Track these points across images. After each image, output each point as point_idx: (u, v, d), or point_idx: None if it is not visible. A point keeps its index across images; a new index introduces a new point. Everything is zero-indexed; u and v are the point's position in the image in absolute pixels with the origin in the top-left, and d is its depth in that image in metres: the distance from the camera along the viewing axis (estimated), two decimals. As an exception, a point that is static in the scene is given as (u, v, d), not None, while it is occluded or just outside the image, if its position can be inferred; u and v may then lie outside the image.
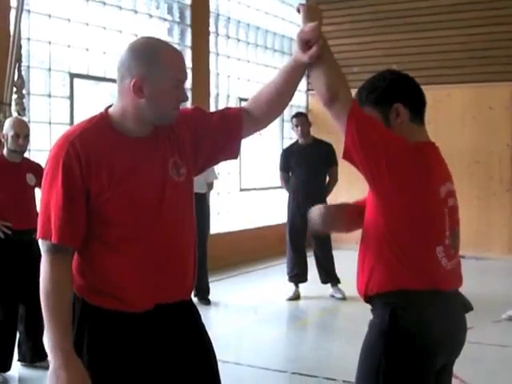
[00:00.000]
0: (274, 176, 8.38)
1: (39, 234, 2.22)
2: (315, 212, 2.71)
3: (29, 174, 5.13)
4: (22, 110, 6.78)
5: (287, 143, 10.03)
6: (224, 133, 2.47)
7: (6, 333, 5.10)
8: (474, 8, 10.79)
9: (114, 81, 7.73)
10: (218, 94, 10.51)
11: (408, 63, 10.53)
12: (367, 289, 2.46)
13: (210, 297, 7.65)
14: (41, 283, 2.19)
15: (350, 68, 10.68)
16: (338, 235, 10.03)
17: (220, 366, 2.46)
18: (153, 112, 2.23)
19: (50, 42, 7.69)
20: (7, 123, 5.16)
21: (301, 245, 8.05)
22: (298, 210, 7.94)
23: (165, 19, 9.63)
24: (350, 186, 9.83)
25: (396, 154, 2.37)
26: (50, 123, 7.70)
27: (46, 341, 2.19)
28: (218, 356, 2.47)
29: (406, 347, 2.35)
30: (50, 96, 7.74)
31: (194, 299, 6.48)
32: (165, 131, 2.34)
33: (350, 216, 2.73)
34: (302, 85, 12.34)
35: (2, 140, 5.13)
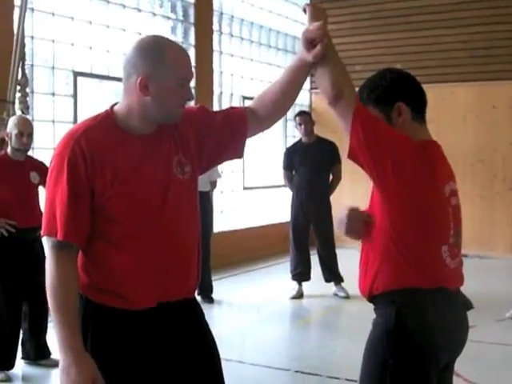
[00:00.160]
0: (278, 174, 8.39)
1: (44, 231, 2.22)
2: (344, 214, 2.67)
3: (32, 173, 5.13)
4: (25, 108, 6.78)
5: (291, 142, 10.04)
6: (228, 132, 2.47)
7: (10, 331, 5.11)
8: (477, 7, 10.77)
9: (117, 79, 7.72)
10: (221, 93, 10.51)
11: (410, 62, 10.52)
12: (372, 288, 2.46)
13: (213, 295, 7.66)
14: (47, 280, 2.19)
15: (351, 67, 10.66)
16: (341, 233, 10.03)
17: (223, 364, 2.46)
18: (158, 110, 2.24)
19: (53, 41, 7.69)
20: (11, 121, 5.17)
21: (304, 243, 8.05)
22: (301, 209, 7.95)
23: (168, 17, 9.63)
24: (353, 185, 9.84)
25: (401, 154, 2.37)
26: (53, 121, 7.71)
27: (56, 338, 2.19)
28: (221, 354, 2.47)
29: (412, 345, 2.35)
30: (53, 94, 7.75)
31: (197, 297, 6.51)
32: (169, 129, 2.34)
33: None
34: (306, 83, 12.23)
35: (6, 138, 5.14)
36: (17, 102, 6.78)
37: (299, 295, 7.98)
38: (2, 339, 5.06)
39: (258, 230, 10.96)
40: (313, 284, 8.08)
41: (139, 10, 8.94)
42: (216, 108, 10.28)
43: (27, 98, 6.88)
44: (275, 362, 5.63)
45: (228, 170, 10.26)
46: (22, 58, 6.83)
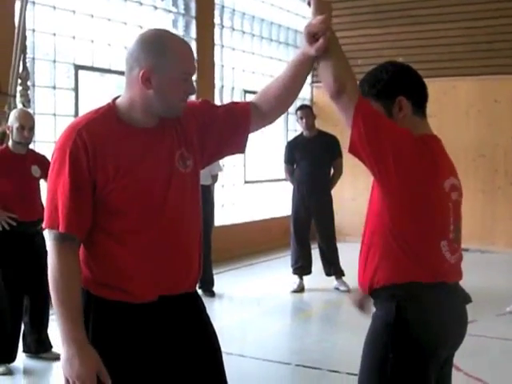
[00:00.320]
0: (279, 168, 8.39)
1: (46, 223, 2.22)
2: (354, 298, 2.80)
3: (34, 166, 5.13)
4: (26, 101, 6.78)
5: (292, 135, 10.04)
6: (231, 126, 2.46)
7: (11, 324, 5.12)
8: (480, 0, 10.75)
9: (119, 73, 7.72)
10: (222, 86, 10.50)
11: (412, 56, 10.50)
12: (372, 282, 2.46)
13: (215, 289, 7.67)
14: (49, 273, 2.19)
15: (353, 60, 10.61)
16: (342, 227, 10.04)
17: (224, 357, 2.46)
18: (160, 104, 2.23)
19: (54, 34, 7.68)
20: (12, 115, 5.17)
21: (305, 237, 8.05)
22: (302, 203, 7.95)
23: (170, 11, 9.62)
24: (354, 179, 9.84)
25: (403, 149, 2.37)
26: (54, 115, 7.71)
27: (58, 330, 2.19)
28: (222, 348, 2.47)
29: (412, 339, 2.35)
30: (54, 88, 7.74)
31: (199, 291, 6.52)
32: (172, 123, 2.34)
33: None
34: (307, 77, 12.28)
35: (8, 132, 5.14)
36: (18, 95, 6.77)
37: (300, 289, 7.99)
38: (3, 332, 5.06)
39: (259, 224, 10.96)
40: (314, 278, 8.09)
41: (140, 4, 8.93)
42: (217, 102, 10.28)
43: (28, 92, 6.88)
44: (276, 355, 5.64)
45: (229, 163, 10.26)
46: (24, 51, 6.82)
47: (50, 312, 5.16)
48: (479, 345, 5.50)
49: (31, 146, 5.39)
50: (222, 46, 10.50)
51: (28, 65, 6.98)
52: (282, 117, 12.31)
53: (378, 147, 2.35)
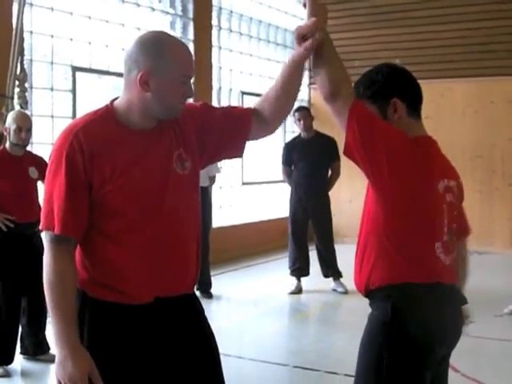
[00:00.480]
0: (277, 170, 8.39)
1: (42, 225, 2.23)
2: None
3: (31, 168, 5.13)
4: (24, 103, 6.78)
5: (290, 137, 10.03)
6: (230, 131, 2.46)
7: (9, 326, 5.11)
8: (476, 2, 10.75)
9: (116, 74, 7.71)
10: (220, 88, 10.50)
11: (409, 57, 10.51)
12: (368, 283, 2.47)
13: (212, 290, 7.66)
14: (44, 275, 2.20)
15: (349, 62, 10.66)
16: (340, 228, 10.04)
17: (222, 359, 2.46)
18: (158, 106, 2.23)
19: (52, 36, 7.68)
20: (10, 117, 5.16)
21: (303, 238, 8.05)
22: (300, 204, 7.95)
23: (167, 12, 9.62)
24: (351, 181, 9.83)
25: (397, 151, 2.38)
26: (52, 117, 7.71)
27: (52, 332, 2.20)
28: (220, 349, 2.47)
29: (407, 339, 2.36)
30: (52, 89, 7.74)
31: (196, 293, 6.52)
32: (170, 124, 2.34)
33: None
34: (304, 78, 12.29)
35: (5, 133, 5.13)
36: (15, 96, 6.77)
37: (298, 290, 7.99)
38: (0, 334, 5.06)
39: (257, 226, 10.96)
40: (311, 279, 8.09)
41: (138, 5, 8.94)
42: (215, 104, 10.28)
43: (26, 93, 6.88)
44: (274, 357, 5.64)
45: (227, 165, 10.26)
46: (21, 52, 6.82)
47: (48, 314, 5.15)
48: (477, 346, 5.50)
49: (29, 148, 5.39)
50: (220, 48, 10.51)
51: (25, 66, 6.99)
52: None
53: (372, 149, 2.36)
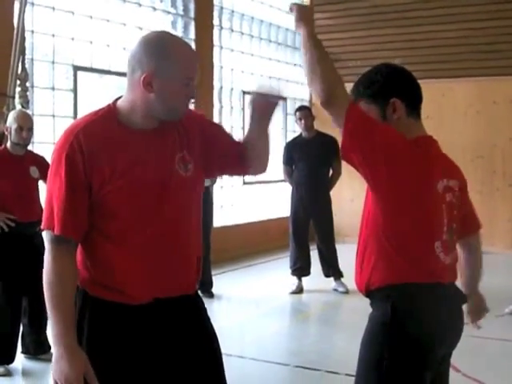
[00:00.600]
0: (278, 169, 8.40)
1: (43, 225, 2.23)
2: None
3: (32, 167, 5.13)
4: (25, 102, 6.78)
5: (291, 136, 10.03)
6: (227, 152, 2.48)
7: (10, 325, 5.12)
8: (478, 2, 10.75)
9: (118, 74, 7.68)
10: (221, 87, 10.50)
11: (410, 57, 10.50)
12: (368, 283, 2.47)
13: (213, 290, 7.66)
14: (44, 275, 2.20)
15: (348, 62, 10.66)
16: (341, 228, 10.04)
17: (223, 359, 2.46)
18: (161, 107, 2.22)
19: (53, 35, 7.69)
20: (11, 116, 5.16)
21: (304, 238, 8.05)
22: (301, 204, 7.95)
23: (168, 12, 9.62)
24: (352, 180, 9.81)
25: (395, 153, 2.38)
26: (53, 116, 7.71)
27: (50, 332, 2.20)
28: (221, 349, 2.47)
29: (407, 339, 2.36)
30: (53, 89, 7.74)
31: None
32: (174, 125, 2.33)
33: None
34: (305, 78, 12.28)
35: (6, 133, 5.13)
36: (17, 96, 6.77)
37: (299, 290, 7.99)
38: (1, 334, 5.06)
39: (258, 225, 10.96)
40: (312, 279, 8.09)
41: (139, 5, 8.94)
42: (216, 103, 10.29)
43: (27, 93, 6.88)
44: (275, 356, 5.64)
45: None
46: (22, 52, 6.82)
47: (49, 313, 5.15)
48: (478, 346, 5.49)
49: (30, 147, 5.39)
50: (221, 47, 10.51)
51: (27, 66, 6.99)
52: (281, 118, 12.29)
53: (371, 152, 2.36)
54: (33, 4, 7.31)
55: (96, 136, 2.21)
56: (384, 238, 2.41)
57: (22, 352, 5.36)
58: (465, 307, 2.62)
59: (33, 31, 7.38)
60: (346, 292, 7.71)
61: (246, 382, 4.88)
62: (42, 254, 2.23)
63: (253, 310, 7.29)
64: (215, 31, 10.33)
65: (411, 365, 2.37)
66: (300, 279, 8.03)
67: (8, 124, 5.09)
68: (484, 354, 5.55)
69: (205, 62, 9.82)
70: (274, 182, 11.38)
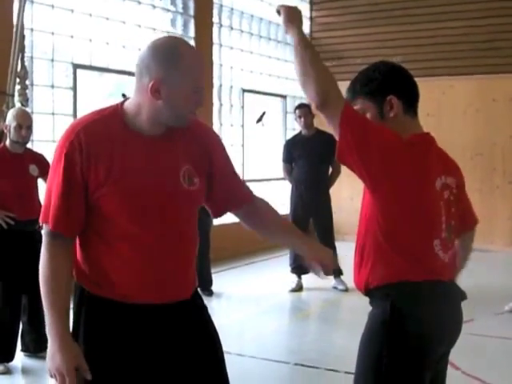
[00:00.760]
0: (277, 167, 8.40)
1: (41, 217, 2.24)
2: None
3: (32, 165, 5.12)
4: (25, 100, 6.77)
5: (290, 134, 10.03)
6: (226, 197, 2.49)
7: (10, 323, 5.12)
8: (478, -1, 10.76)
9: (117, 71, 7.68)
10: (220, 85, 10.50)
11: (410, 55, 10.51)
12: (368, 282, 2.47)
13: (213, 288, 7.66)
14: (40, 268, 2.21)
15: (349, 60, 10.66)
16: (340, 226, 10.04)
17: (224, 358, 2.45)
18: (169, 113, 2.19)
19: (53, 33, 7.68)
20: (10, 114, 5.16)
21: (303, 236, 8.03)
22: (300, 202, 7.95)
23: (168, 10, 9.62)
24: (352, 178, 9.80)
25: (391, 154, 2.38)
26: (53, 114, 7.71)
27: (45, 325, 2.22)
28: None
29: (407, 337, 2.36)
30: (53, 87, 7.74)
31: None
32: (185, 136, 2.31)
33: None
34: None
35: (5, 131, 5.13)
36: (16, 94, 6.77)
37: (298, 288, 7.99)
38: (1, 332, 5.06)
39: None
40: (312, 277, 8.01)
41: (139, 3, 8.93)
42: (216, 101, 10.28)
43: (27, 91, 6.88)
44: (274, 354, 5.64)
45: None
46: (22, 50, 6.82)
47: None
48: (477, 344, 5.50)
49: (29, 145, 5.38)
50: (221, 45, 10.50)
51: (26, 64, 6.98)
52: (281, 116, 12.29)
53: (367, 153, 2.36)
54: (32, 2, 7.31)
55: (97, 136, 2.19)
56: (382, 237, 2.41)
57: (22, 350, 5.36)
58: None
59: (32, 29, 7.37)
60: (346, 290, 7.71)
61: (245, 380, 4.88)
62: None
63: (252, 307, 7.29)
64: (215, 29, 10.33)
65: (411, 363, 2.37)
66: (299, 277, 8.03)
67: (7, 122, 5.08)
68: (483, 352, 5.54)
69: (204, 60, 9.80)
70: (273, 180, 11.38)
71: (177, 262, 2.30)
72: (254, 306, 7.36)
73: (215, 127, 9.91)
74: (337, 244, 8.08)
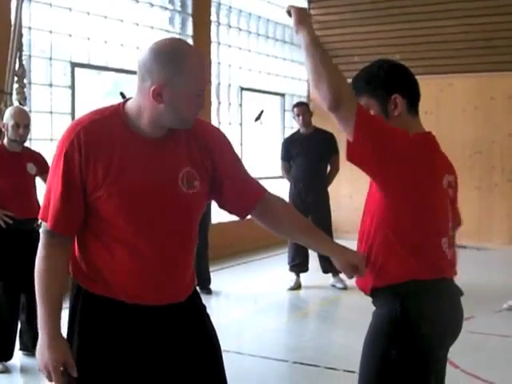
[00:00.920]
0: (276, 165, 8.39)
1: (41, 214, 2.24)
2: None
3: (29, 163, 5.12)
4: (23, 99, 6.76)
5: (289, 133, 10.03)
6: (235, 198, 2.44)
7: (8, 322, 5.11)
8: (477, -3, 10.76)
9: (115, 70, 7.66)
10: (219, 84, 10.49)
11: (409, 53, 10.51)
12: (375, 282, 2.46)
13: (211, 286, 7.66)
14: (36, 263, 2.22)
15: (347, 58, 10.65)
16: (339, 224, 10.04)
17: (223, 357, 2.44)
18: (172, 117, 2.18)
19: (51, 31, 7.67)
20: (8, 113, 5.15)
21: (302, 235, 8.02)
22: (299, 200, 7.94)
23: (166, 8, 9.61)
24: (351, 176, 9.81)
25: (406, 154, 2.37)
26: (51, 113, 7.69)
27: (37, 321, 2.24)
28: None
29: (417, 336, 2.36)
30: (51, 85, 7.73)
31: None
32: (185, 138, 2.29)
33: None
34: (304, 74, 12.31)
35: (3, 129, 5.13)
36: (14, 92, 6.76)
37: (297, 286, 7.99)
38: (0, 330, 5.06)
39: (256, 222, 10.92)
40: (310, 275, 8.09)
41: (137, 1, 8.92)
42: (214, 99, 10.27)
43: (25, 89, 6.87)
44: (273, 353, 5.64)
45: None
46: (20, 48, 6.80)
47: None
48: (476, 342, 5.50)
49: (27, 144, 5.38)
50: (219, 44, 10.49)
51: (24, 62, 6.97)
52: (279, 114, 12.25)
53: (383, 153, 2.35)
54: (30, 0, 7.30)
55: (97, 137, 2.18)
56: (395, 236, 2.41)
57: (21, 349, 5.36)
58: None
59: (30, 28, 7.36)
60: (345, 288, 7.71)
61: (244, 378, 4.88)
62: (40, 251, 2.24)
63: (251, 306, 7.29)
64: (213, 27, 10.32)
65: (418, 362, 2.37)
66: (298, 275, 8.03)
67: (5, 121, 5.08)
68: (483, 350, 5.54)
69: (206, 61, 9.81)
70: (272, 178, 11.37)
71: (175, 264, 2.29)
72: (253, 304, 7.37)
73: (213, 125, 9.89)
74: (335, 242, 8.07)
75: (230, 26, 10.77)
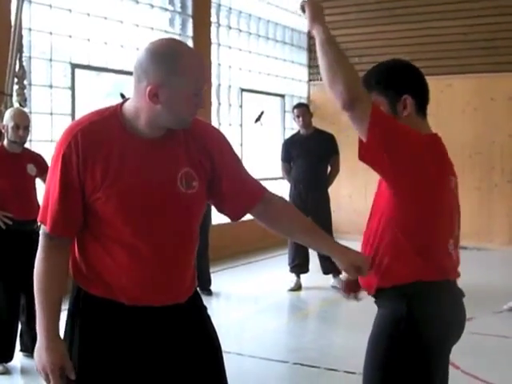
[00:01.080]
0: (276, 166, 8.39)
1: (39, 217, 2.24)
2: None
3: (29, 165, 5.12)
4: (23, 100, 6.77)
5: (289, 134, 10.03)
6: (235, 197, 2.41)
7: (8, 323, 5.11)
8: (478, -2, 10.76)
9: (115, 71, 7.67)
10: (219, 85, 10.49)
11: (409, 53, 10.46)
12: (381, 282, 2.45)
13: (212, 287, 7.66)
14: (35, 265, 2.22)
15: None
16: (339, 225, 10.04)
17: (223, 358, 2.44)
18: (169, 117, 2.16)
19: (51, 33, 7.67)
20: (7, 114, 5.16)
21: (302, 235, 8.02)
22: (299, 201, 7.93)
23: (166, 9, 9.61)
24: (351, 177, 9.83)
25: (419, 154, 2.38)
26: (51, 114, 7.69)
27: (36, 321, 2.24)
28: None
29: (422, 337, 2.36)
30: (51, 86, 7.73)
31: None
32: (183, 138, 2.27)
33: None
34: (304, 75, 12.32)
35: (3, 131, 5.13)
36: (14, 94, 6.76)
37: (297, 287, 7.99)
38: (0, 332, 5.06)
39: (257, 222, 10.90)
40: (311, 276, 8.09)
41: (137, 2, 8.92)
42: (214, 100, 10.27)
43: (25, 91, 6.87)
44: (274, 353, 5.64)
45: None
46: (20, 50, 6.81)
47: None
48: (477, 342, 5.49)
49: (27, 145, 5.38)
50: (219, 45, 10.49)
51: (24, 63, 6.97)
52: (279, 115, 12.26)
53: (396, 153, 2.35)
54: (30, 2, 7.30)
55: (95, 138, 2.17)
56: (404, 236, 2.41)
57: (21, 350, 5.35)
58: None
59: (30, 29, 7.36)
60: (345, 289, 7.70)
61: (244, 379, 4.88)
62: (40, 252, 2.24)
63: (251, 307, 7.29)
64: (213, 28, 10.32)
65: (423, 363, 2.37)
66: (298, 276, 8.03)
67: (5, 122, 5.09)
68: (483, 351, 5.54)
69: (205, 61, 9.81)
70: (272, 179, 11.37)
71: (175, 265, 2.28)
72: (253, 305, 7.36)
73: (214, 127, 9.89)
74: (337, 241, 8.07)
75: (230, 27, 10.77)
